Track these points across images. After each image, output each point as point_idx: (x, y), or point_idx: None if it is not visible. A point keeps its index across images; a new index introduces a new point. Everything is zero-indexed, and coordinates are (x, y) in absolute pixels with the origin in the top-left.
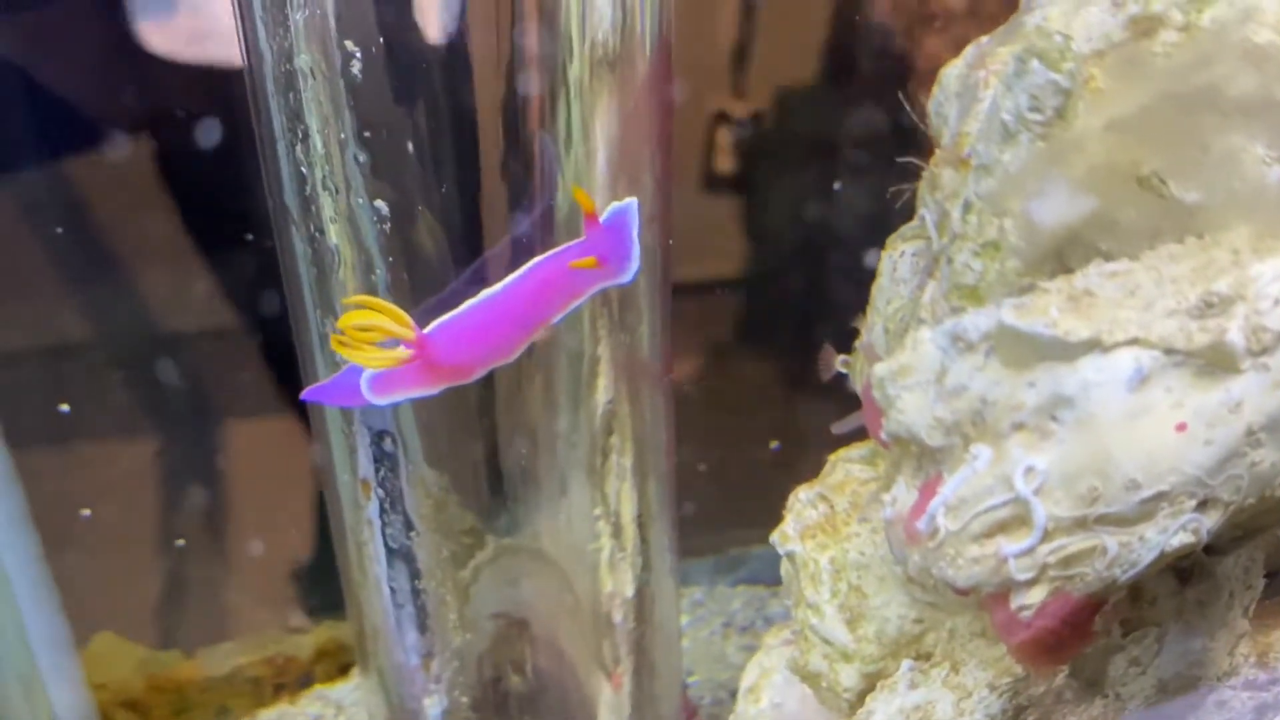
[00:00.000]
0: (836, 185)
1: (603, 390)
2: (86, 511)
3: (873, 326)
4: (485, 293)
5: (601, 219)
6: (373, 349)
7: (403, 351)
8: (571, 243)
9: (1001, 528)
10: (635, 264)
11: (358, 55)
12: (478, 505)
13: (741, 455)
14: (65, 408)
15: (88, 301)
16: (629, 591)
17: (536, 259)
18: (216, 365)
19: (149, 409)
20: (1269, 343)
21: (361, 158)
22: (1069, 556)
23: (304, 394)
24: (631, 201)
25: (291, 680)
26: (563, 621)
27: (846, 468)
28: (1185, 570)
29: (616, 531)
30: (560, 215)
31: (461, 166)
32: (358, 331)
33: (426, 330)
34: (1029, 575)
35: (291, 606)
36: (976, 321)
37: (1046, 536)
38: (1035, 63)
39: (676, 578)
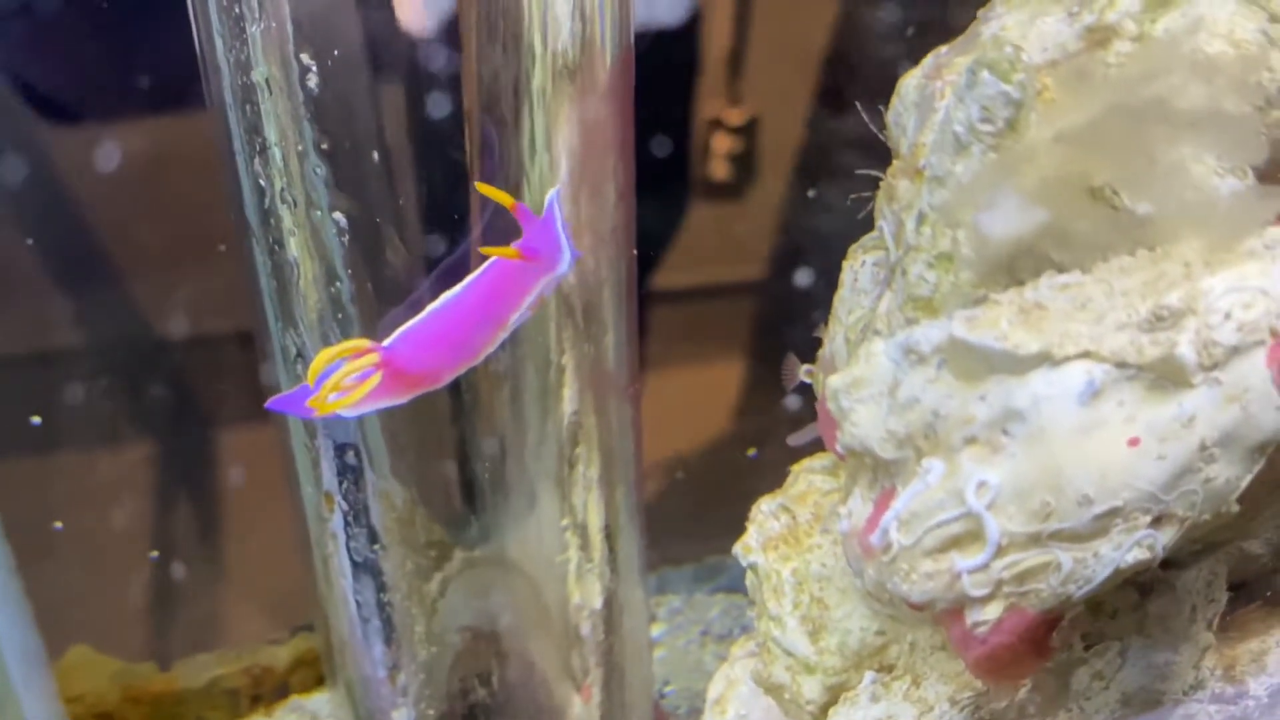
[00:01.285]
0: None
1: (568, 401)
2: (59, 524)
3: (834, 337)
4: (443, 297)
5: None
6: (348, 389)
7: (376, 377)
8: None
9: (955, 543)
10: (566, 254)
11: (314, 68)
12: (444, 517)
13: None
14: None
15: None
16: (597, 603)
17: (490, 259)
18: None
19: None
20: (1220, 357)
21: (320, 170)
22: (1023, 572)
23: (268, 404)
24: (553, 191)
25: (268, 691)
26: (531, 633)
27: (809, 478)
28: (1146, 584)
29: (584, 542)
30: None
31: (422, 177)
32: (329, 386)
33: (388, 341)
34: (983, 591)
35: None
36: (928, 334)
37: (1000, 552)
38: (986, 74)
39: (645, 588)
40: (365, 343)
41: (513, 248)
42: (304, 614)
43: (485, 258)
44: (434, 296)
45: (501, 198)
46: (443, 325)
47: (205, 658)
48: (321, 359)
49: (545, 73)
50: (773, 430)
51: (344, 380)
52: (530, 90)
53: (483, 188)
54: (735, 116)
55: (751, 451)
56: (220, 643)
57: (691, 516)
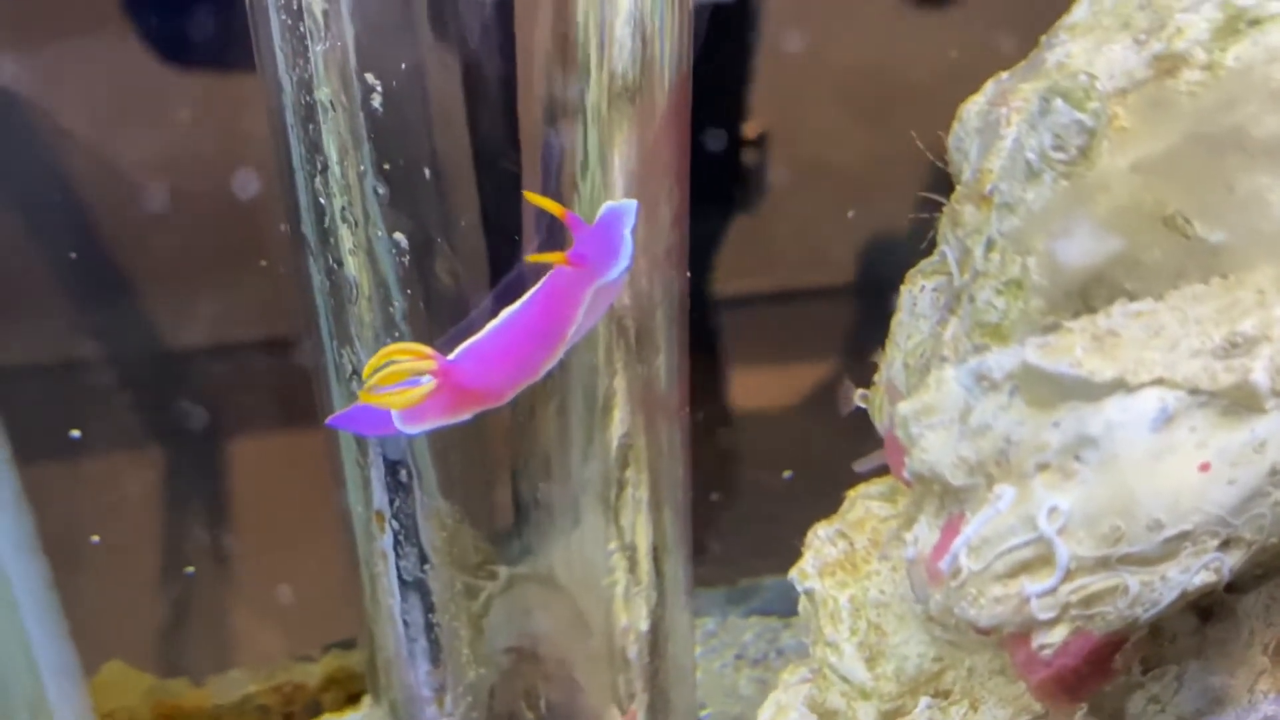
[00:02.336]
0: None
1: (618, 423)
2: (96, 538)
3: (892, 362)
4: (504, 313)
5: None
6: (400, 390)
7: (429, 383)
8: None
9: (1024, 567)
10: (624, 261)
11: (378, 88)
12: (492, 537)
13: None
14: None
15: None
16: (644, 625)
17: (547, 275)
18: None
19: None
20: None
21: (381, 190)
22: (1091, 596)
23: (331, 420)
24: (630, 202)
25: (299, 709)
26: (577, 656)
27: (866, 504)
28: (1206, 608)
29: (632, 565)
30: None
31: (481, 198)
32: (383, 378)
33: (451, 357)
34: (1051, 615)
35: None
36: (1000, 361)
37: (1069, 576)
38: (1059, 102)
39: (691, 611)
40: (426, 349)
41: (562, 254)
42: (337, 631)
43: (537, 276)
44: (492, 315)
45: (551, 206)
46: (503, 341)
47: (238, 674)
48: (380, 356)
49: (600, 90)
50: (809, 451)
51: (397, 376)
52: (584, 107)
53: (530, 196)
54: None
55: (787, 473)
56: (253, 659)
57: (726, 538)
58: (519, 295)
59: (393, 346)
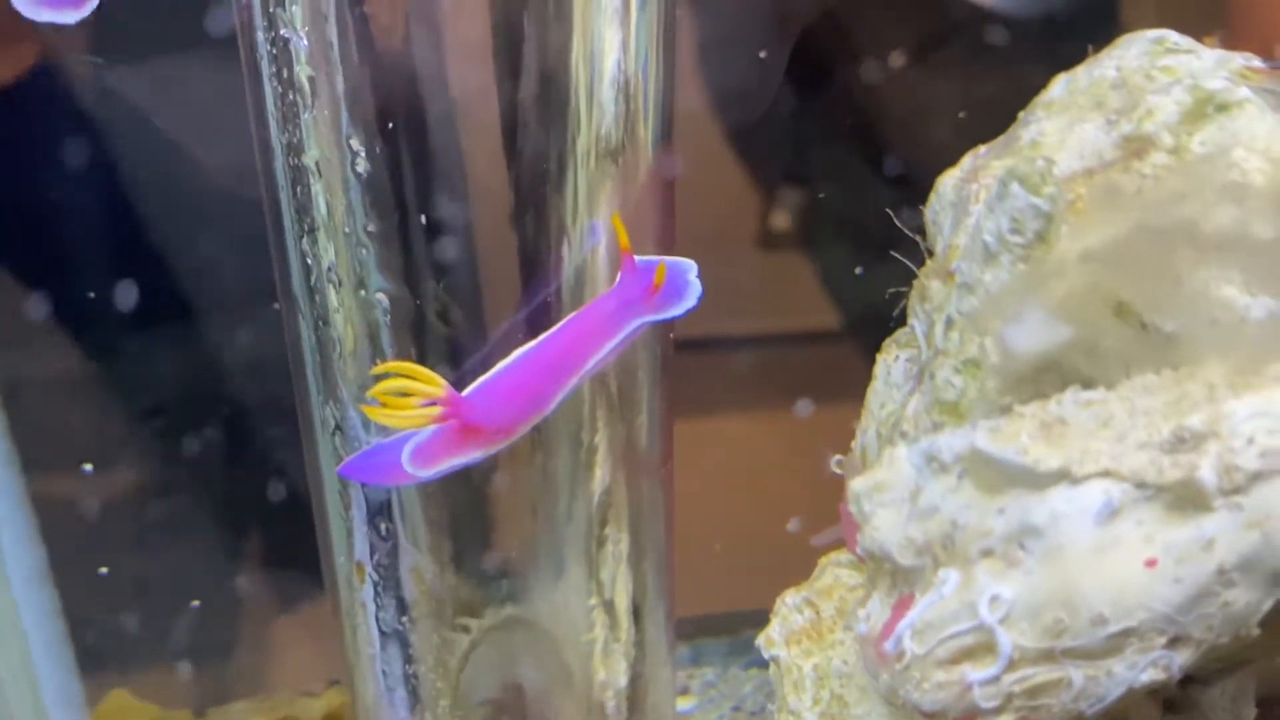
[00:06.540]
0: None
1: (599, 480)
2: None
3: (866, 430)
4: (518, 351)
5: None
6: (407, 409)
7: (436, 410)
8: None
9: (967, 654)
10: (691, 301)
11: (363, 153)
12: (473, 590)
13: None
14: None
15: None
16: (622, 681)
17: (570, 315)
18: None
19: None
20: (1241, 482)
21: (366, 251)
22: (1034, 687)
23: (340, 469)
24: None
25: None
26: (555, 709)
27: (835, 572)
28: (1169, 700)
29: (611, 620)
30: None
31: (467, 256)
32: (392, 397)
33: (464, 393)
34: (994, 704)
35: None
36: (951, 443)
37: (1011, 666)
38: (1016, 186)
39: (673, 667)
40: (437, 377)
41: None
42: (340, 668)
43: (534, 328)
44: (482, 370)
45: (622, 237)
46: (519, 377)
47: (240, 706)
48: (387, 368)
49: (589, 140)
50: (817, 502)
51: (403, 404)
52: (575, 152)
53: (616, 220)
54: None
55: (791, 524)
56: (257, 692)
57: (728, 589)
58: (509, 350)
59: (404, 365)
